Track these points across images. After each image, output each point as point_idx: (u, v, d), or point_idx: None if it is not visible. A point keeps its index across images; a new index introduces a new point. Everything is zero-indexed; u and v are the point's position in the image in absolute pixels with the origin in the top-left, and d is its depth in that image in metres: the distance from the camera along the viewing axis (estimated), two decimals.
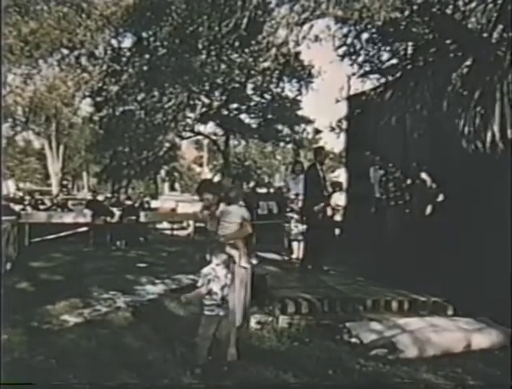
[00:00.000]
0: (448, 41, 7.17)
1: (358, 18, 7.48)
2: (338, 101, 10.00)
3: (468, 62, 6.76)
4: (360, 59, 8.71)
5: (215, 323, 4.39)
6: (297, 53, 20.43)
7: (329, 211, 8.27)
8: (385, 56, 8.56)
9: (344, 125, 11.35)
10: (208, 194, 5.10)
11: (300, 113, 28.06)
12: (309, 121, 29.66)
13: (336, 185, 11.75)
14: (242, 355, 4.83)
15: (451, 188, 7.12)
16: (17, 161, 41.20)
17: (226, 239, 4.88)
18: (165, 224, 18.58)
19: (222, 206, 5.08)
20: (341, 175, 14.72)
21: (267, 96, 26.27)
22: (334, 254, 9.29)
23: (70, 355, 4.85)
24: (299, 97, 26.36)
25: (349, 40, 8.60)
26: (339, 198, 11.33)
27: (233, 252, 4.82)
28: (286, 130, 28.87)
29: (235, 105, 27.07)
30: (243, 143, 38.23)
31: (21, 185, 36.63)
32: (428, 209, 7.38)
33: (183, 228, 18.58)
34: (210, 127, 30.12)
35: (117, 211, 14.63)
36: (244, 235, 4.99)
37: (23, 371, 4.45)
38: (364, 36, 8.50)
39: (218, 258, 4.48)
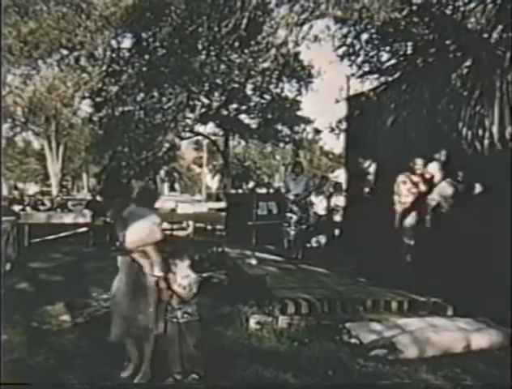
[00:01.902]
0: (447, 42, 7.17)
1: (358, 18, 7.48)
2: (338, 102, 9.99)
3: (468, 63, 6.76)
4: (360, 59, 8.70)
5: None
6: (297, 54, 20.44)
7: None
8: (384, 56, 8.55)
9: (344, 125, 11.34)
10: (117, 196, 4.79)
11: (299, 113, 28.11)
12: (308, 122, 29.72)
13: (336, 186, 11.80)
14: (242, 355, 4.84)
15: None
16: (17, 162, 41.20)
17: (133, 244, 4.39)
18: (165, 225, 18.56)
19: (131, 207, 4.58)
20: (340, 175, 14.72)
21: (267, 97, 26.29)
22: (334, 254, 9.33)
23: (70, 355, 4.85)
24: (298, 97, 26.40)
25: (349, 41, 8.59)
26: (339, 199, 11.37)
27: (142, 260, 4.37)
28: (286, 131, 28.92)
29: (234, 106, 27.10)
30: (243, 143, 38.36)
31: (20, 185, 36.62)
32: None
33: (183, 229, 18.58)
34: (209, 128, 30.19)
35: None
36: (152, 241, 4.44)
37: (23, 371, 4.45)
38: (364, 36, 8.49)
39: (186, 260, 4.46)
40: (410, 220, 7.38)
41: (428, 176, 7.43)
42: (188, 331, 4.30)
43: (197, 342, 4.36)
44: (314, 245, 11.10)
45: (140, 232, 4.38)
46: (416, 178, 7.44)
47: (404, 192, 7.48)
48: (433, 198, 7.13)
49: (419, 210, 7.32)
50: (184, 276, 4.36)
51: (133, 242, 4.36)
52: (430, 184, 7.36)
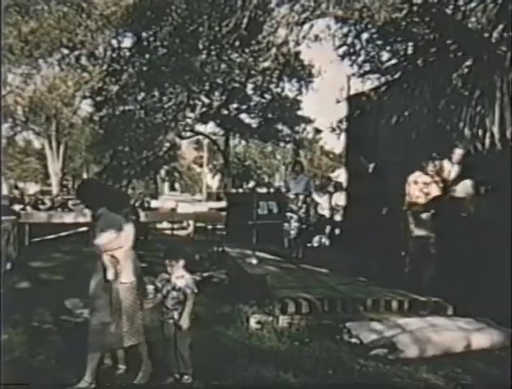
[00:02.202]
0: (448, 41, 7.17)
1: (358, 18, 7.48)
2: (338, 102, 9.98)
3: (469, 62, 6.76)
4: (360, 59, 8.70)
5: None
6: (297, 53, 20.48)
7: None
8: (385, 56, 8.55)
9: (344, 125, 11.34)
10: (88, 196, 4.59)
11: (300, 112, 28.13)
12: (309, 121, 29.74)
13: (336, 185, 11.82)
14: (242, 355, 4.84)
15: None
16: (17, 161, 41.19)
17: (97, 248, 4.32)
18: (165, 224, 18.59)
19: (103, 209, 4.47)
20: (341, 175, 14.73)
21: (267, 96, 26.34)
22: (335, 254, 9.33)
23: (70, 355, 4.85)
24: (299, 97, 26.43)
25: (349, 40, 8.59)
26: (339, 198, 11.38)
27: (110, 265, 4.27)
28: (286, 130, 28.96)
29: (235, 105, 27.15)
30: (243, 142, 38.40)
31: (20, 184, 36.63)
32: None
33: (183, 228, 18.60)
34: (210, 127, 30.26)
35: None
36: (117, 247, 4.32)
37: (23, 371, 4.46)
38: (365, 35, 8.49)
39: (181, 260, 4.39)
40: (420, 219, 7.22)
41: (442, 176, 7.17)
42: (184, 331, 4.28)
43: (193, 342, 4.35)
44: (315, 244, 11.12)
45: (104, 236, 4.33)
46: (428, 179, 7.21)
47: (416, 192, 7.23)
48: (455, 194, 6.95)
49: (429, 210, 7.14)
50: (179, 277, 4.33)
51: (97, 246, 4.33)
52: (444, 184, 7.14)
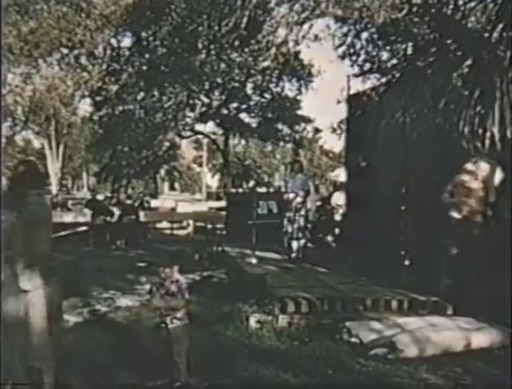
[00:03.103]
0: (448, 41, 7.17)
1: (358, 17, 7.49)
2: (339, 102, 9.99)
3: (468, 62, 6.75)
4: (360, 59, 8.71)
5: None
6: (297, 53, 20.51)
7: None
8: (385, 56, 8.56)
9: (344, 125, 11.35)
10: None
11: (299, 112, 28.15)
12: (308, 121, 29.75)
13: (338, 186, 11.86)
14: (242, 354, 4.84)
15: None
16: (17, 161, 41.20)
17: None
18: (165, 224, 18.59)
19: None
20: (340, 174, 14.74)
21: (267, 96, 26.37)
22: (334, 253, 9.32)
23: (70, 355, 4.85)
24: (299, 96, 26.46)
25: (349, 40, 8.60)
26: (339, 198, 11.38)
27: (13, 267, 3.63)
28: (286, 130, 28.97)
29: (235, 105, 27.17)
30: (243, 142, 38.40)
31: None
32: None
33: (183, 228, 18.60)
34: (209, 126, 30.30)
35: (116, 211, 14.66)
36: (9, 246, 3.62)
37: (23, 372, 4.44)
38: (364, 35, 8.51)
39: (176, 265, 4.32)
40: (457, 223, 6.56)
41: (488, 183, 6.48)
42: (177, 336, 4.24)
43: (192, 341, 4.32)
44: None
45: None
46: (475, 184, 6.50)
47: (459, 197, 6.57)
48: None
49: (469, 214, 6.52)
50: (173, 281, 4.27)
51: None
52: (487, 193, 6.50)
